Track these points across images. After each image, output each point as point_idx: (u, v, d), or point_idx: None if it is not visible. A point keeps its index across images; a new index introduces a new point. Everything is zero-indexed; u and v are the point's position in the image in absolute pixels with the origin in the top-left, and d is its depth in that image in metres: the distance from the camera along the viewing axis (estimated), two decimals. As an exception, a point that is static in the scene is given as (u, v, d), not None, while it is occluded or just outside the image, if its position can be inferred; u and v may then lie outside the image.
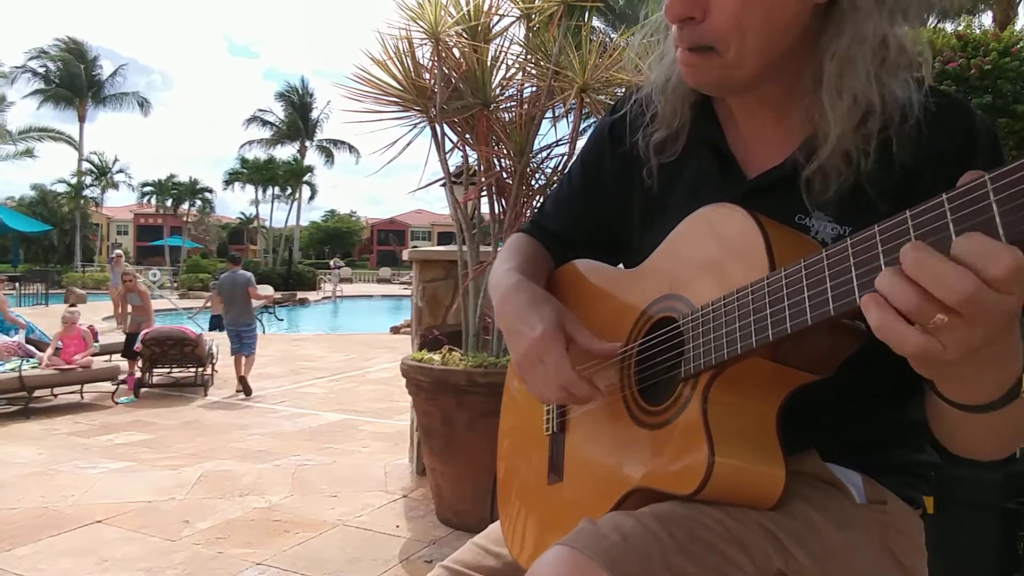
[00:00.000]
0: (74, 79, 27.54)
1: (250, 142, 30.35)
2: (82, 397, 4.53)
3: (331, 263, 24.95)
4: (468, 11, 2.41)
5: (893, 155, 0.56)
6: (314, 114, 30.74)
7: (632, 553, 0.46)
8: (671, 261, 0.59)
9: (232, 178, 30.55)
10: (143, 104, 29.08)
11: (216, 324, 9.80)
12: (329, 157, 31.59)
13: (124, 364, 5.16)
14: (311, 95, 30.77)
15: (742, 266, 0.50)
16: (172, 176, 30.67)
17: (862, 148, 0.55)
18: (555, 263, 0.77)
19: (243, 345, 5.08)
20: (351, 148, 30.91)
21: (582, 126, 2.52)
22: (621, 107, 0.74)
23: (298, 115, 30.39)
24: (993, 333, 0.37)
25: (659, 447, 0.54)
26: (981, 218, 0.34)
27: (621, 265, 0.73)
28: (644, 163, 0.67)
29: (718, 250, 0.53)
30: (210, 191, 31.81)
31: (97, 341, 5.49)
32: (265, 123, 30.63)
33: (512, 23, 2.49)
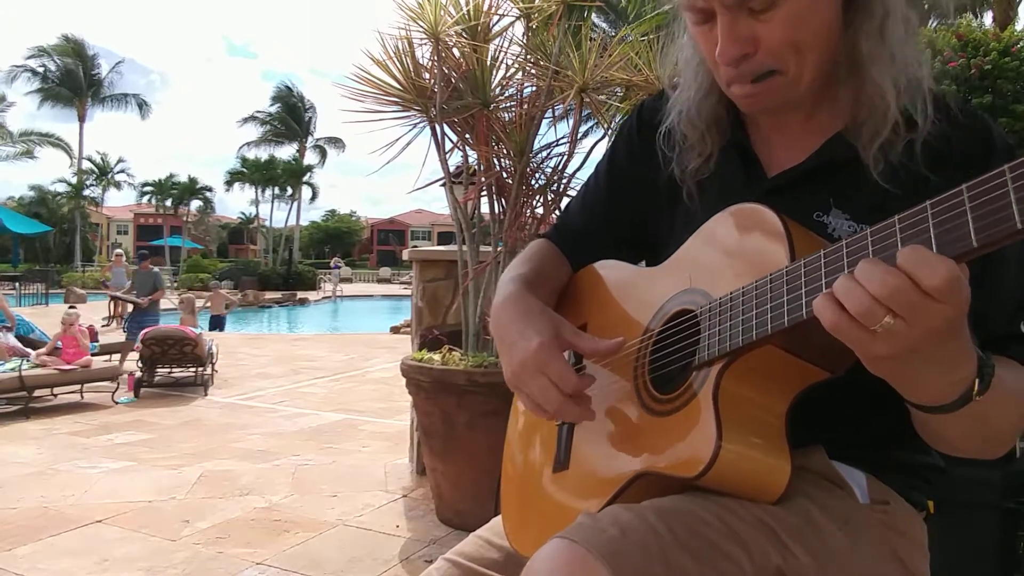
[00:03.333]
0: (73, 78, 27.54)
1: (248, 143, 30.43)
2: (82, 397, 4.53)
3: (331, 263, 25.03)
4: (468, 11, 2.41)
5: (913, 158, 0.57)
6: (308, 114, 30.81)
7: (631, 547, 0.46)
8: (693, 258, 0.60)
9: (233, 178, 30.56)
10: (142, 106, 29.14)
11: (216, 324, 9.82)
12: (323, 156, 31.63)
13: (125, 364, 5.17)
14: (301, 96, 30.84)
15: (763, 263, 0.50)
16: (172, 176, 30.70)
17: (897, 128, 0.57)
18: (574, 266, 0.77)
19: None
20: (343, 143, 31.02)
21: (582, 126, 2.52)
22: (647, 109, 0.75)
23: (291, 116, 30.42)
24: (933, 338, 0.40)
25: (667, 432, 0.54)
26: (956, 225, 0.37)
27: (643, 263, 0.74)
28: (681, 186, 0.68)
29: (740, 247, 0.54)
30: (210, 190, 31.86)
31: (96, 341, 5.49)
32: (263, 123, 30.68)
33: (512, 23, 2.49)
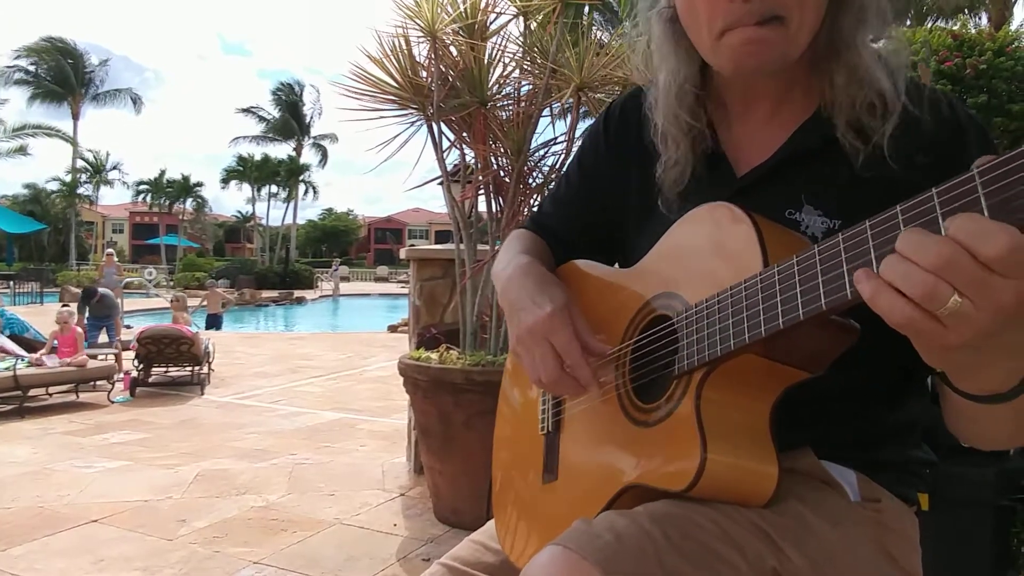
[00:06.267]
0: (66, 77, 27.38)
1: (243, 137, 30.35)
2: (77, 396, 4.51)
3: (332, 266, 25.16)
4: (465, 9, 2.40)
5: (882, 148, 0.57)
6: (306, 109, 30.78)
7: (626, 552, 0.46)
8: (666, 260, 0.60)
9: (230, 176, 30.46)
10: (135, 101, 29.00)
11: (212, 323, 9.79)
12: (323, 156, 31.58)
13: (119, 363, 5.15)
14: (300, 94, 30.77)
15: (736, 264, 0.50)
16: (164, 172, 30.53)
17: (874, 109, 0.56)
18: (555, 259, 0.77)
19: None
20: (336, 137, 31.00)
21: (580, 125, 2.52)
22: (617, 108, 0.75)
23: (289, 113, 30.34)
24: (1006, 319, 0.35)
25: (652, 444, 0.54)
26: (970, 210, 0.34)
27: (616, 264, 0.74)
28: (652, 187, 0.67)
29: (713, 248, 0.54)
30: (201, 185, 31.76)
31: (88, 341, 5.46)
32: (261, 119, 30.60)
33: (509, 21, 2.49)
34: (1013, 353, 0.41)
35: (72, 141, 27.56)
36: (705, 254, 0.54)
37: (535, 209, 0.87)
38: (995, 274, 0.34)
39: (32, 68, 27.29)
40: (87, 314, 6.11)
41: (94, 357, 5.08)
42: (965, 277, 0.34)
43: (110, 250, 9.97)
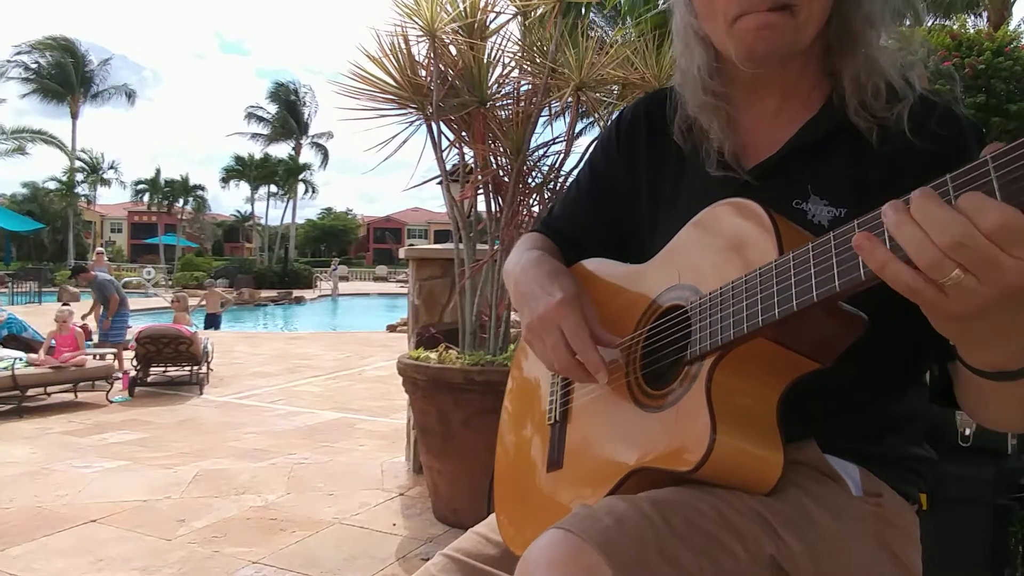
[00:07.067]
0: (67, 76, 27.35)
1: (242, 133, 30.39)
2: (76, 396, 4.50)
3: (332, 263, 25.21)
4: (464, 8, 2.40)
5: (888, 142, 0.58)
6: (305, 110, 30.80)
7: (626, 536, 0.47)
8: (680, 254, 0.61)
9: (229, 175, 30.43)
10: (130, 95, 28.95)
11: (211, 322, 9.78)
12: (324, 157, 31.59)
13: (119, 362, 5.15)
14: (298, 93, 30.79)
15: (752, 256, 0.51)
16: (158, 171, 30.40)
17: (876, 99, 0.58)
18: (565, 261, 0.78)
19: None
20: (332, 134, 31.05)
21: (579, 124, 2.52)
22: (629, 112, 0.76)
23: (288, 113, 30.34)
24: (1009, 301, 0.37)
25: (661, 428, 0.54)
26: (982, 192, 0.36)
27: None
28: (661, 186, 0.69)
29: (728, 242, 0.54)
30: (203, 188, 31.73)
31: (91, 340, 5.46)
32: (261, 120, 30.62)
33: (509, 20, 2.49)
34: (1018, 334, 0.42)
35: (66, 149, 27.50)
36: (720, 248, 0.55)
37: (545, 214, 0.89)
38: (1004, 253, 0.35)
39: (33, 65, 27.29)
40: (103, 307, 5.87)
41: (102, 357, 5.05)
42: (973, 255, 0.36)
43: (100, 249, 9.95)
